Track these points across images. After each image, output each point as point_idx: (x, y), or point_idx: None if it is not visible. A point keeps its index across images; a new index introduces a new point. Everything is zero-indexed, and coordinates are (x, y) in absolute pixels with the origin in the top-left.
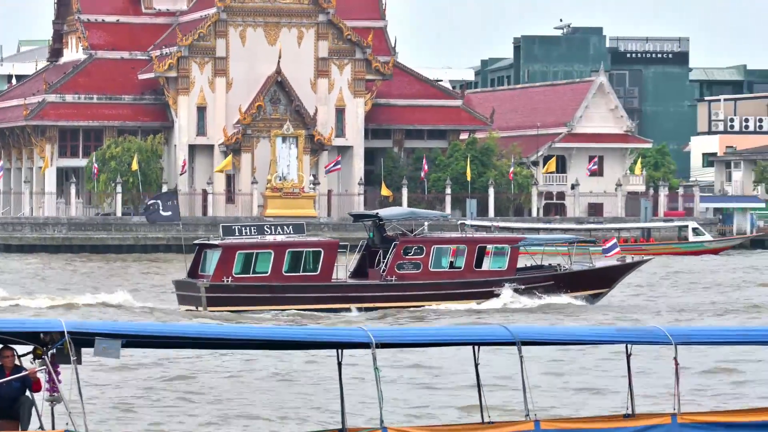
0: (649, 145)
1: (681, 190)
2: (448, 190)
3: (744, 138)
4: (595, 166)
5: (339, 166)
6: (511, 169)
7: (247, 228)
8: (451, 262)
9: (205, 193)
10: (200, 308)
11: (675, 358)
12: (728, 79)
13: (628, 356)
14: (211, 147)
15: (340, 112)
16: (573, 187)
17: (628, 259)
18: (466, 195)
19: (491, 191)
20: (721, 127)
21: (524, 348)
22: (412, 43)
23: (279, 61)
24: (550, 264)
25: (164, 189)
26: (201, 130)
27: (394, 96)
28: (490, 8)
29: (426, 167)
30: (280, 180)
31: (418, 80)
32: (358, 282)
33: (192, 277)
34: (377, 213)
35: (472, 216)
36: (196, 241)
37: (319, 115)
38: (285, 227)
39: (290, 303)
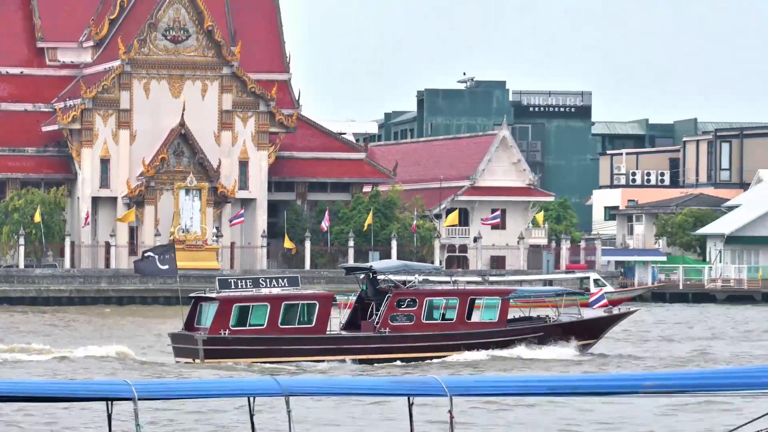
0: (551, 199)
1: (583, 243)
2: (351, 243)
3: (646, 192)
4: (496, 219)
5: (242, 219)
6: (414, 222)
7: (243, 281)
8: (443, 314)
9: (108, 245)
10: (197, 360)
11: (450, 411)
12: (630, 133)
13: (410, 406)
14: (114, 199)
15: (243, 165)
16: (475, 239)
17: (615, 311)
18: (369, 248)
19: (394, 244)
20: (623, 181)
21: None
22: (315, 96)
23: (183, 114)
24: (538, 315)
25: (67, 241)
26: (104, 182)
27: (297, 149)
28: (394, 61)
29: (329, 220)
30: (183, 232)
31: (322, 133)
32: (353, 334)
33: (188, 329)
34: (371, 266)
35: None
36: (191, 294)
37: (222, 168)
38: (279, 280)
39: (286, 355)
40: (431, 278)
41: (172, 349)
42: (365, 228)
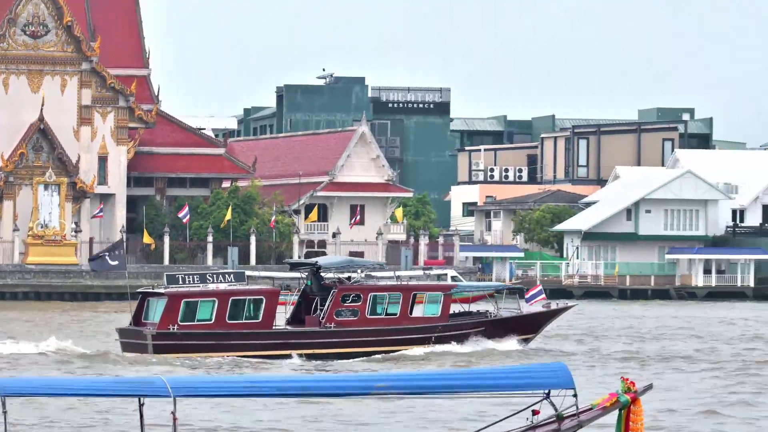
0: (410, 195)
1: (441, 239)
2: (210, 238)
3: (504, 188)
4: (356, 219)
5: (101, 214)
6: (273, 218)
7: (190, 276)
8: (387, 309)
9: None
10: (146, 355)
11: (173, 413)
12: (488, 130)
13: (141, 407)
14: None
15: (102, 160)
16: (334, 235)
17: (553, 306)
18: (228, 243)
19: (253, 239)
20: (481, 177)
21: None
22: (176, 91)
23: (42, 109)
24: (478, 311)
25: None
26: None
27: (157, 144)
28: (253, 57)
29: (188, 215)
30: (41, 227)
31: (181, 128)
32: (300, 329)
33: (136, 325)
34: (316, 261)
35: (234, 264)
36: (139, 290)
37: (81, 163)
38: (226, 275)
39: (233, 350)
40: (374, 273)
41: (120, 344)
42: (224, 224)
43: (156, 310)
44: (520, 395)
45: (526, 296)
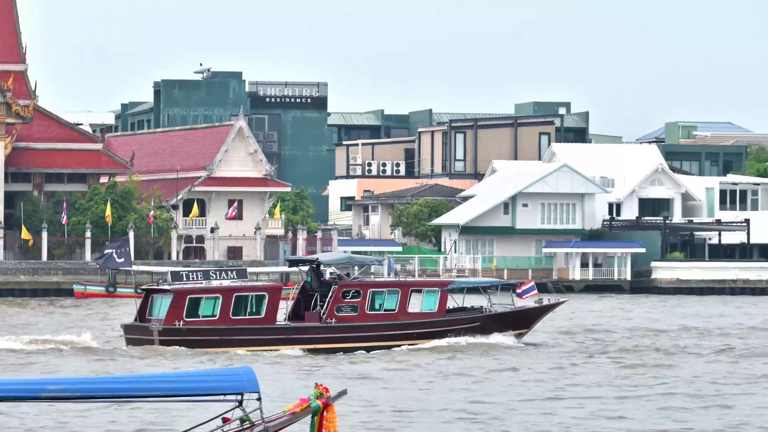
0: (287, 189)
1: (319, 234)
2: (88, 234)
3: (381, 182)
4: (233, 212)
5: None
6: (151, 213)
7: (194, 274)
8: (386, 305)
9: None
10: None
11: None
12: (366, 124)
13: None
14: None
15: None
16: (212, 230)
17: (545, 301)
18: (106, 238)
19: (131, 234)
20: (358, 171)
21: None
22: (52, 87)
23: None
24: (473, 306)
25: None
26: None
27: (34, 139)
28: (131, 52)
29: (64, 217)
30: None
31: (59, 124)
32: (302, 324)
33: (141, 321)
34: (317, 258)
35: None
36: (143, 287)
37: None
38: (229, 272)
39: (238, 345)
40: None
41: (125, 339)
42: (108, 218)
43: (161, 306)
44: (217, 401)
45: (518, 291)
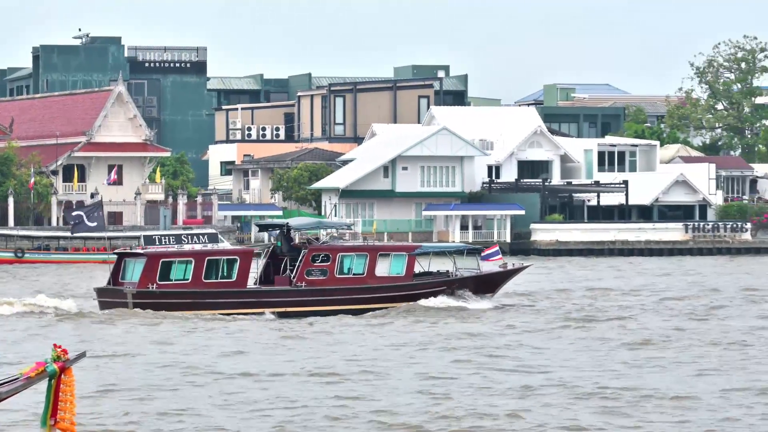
0: (167, 154)
1: (200, 198)
2: None
3: (261, 146)
4: (114, 176)
5: None
6: (32, 179)
7: (166, 238)
8: (354, 269)
9: None
10: (126, 309)
11: None
12: (245, 89)
13: None
14: None
15: None
16: (92, 196)
17: (510, 266)
18: None
19: (11, 201)
20: (238, 136)
21: None
22: None
23: None
24: (438, 270)
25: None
26: None
27: None
28: (8, 18)
29: None
30: None
31: None
32: (273, 288)
33: (114, 284)
34: (287, 222)
35: None
36: (116, 251)
37: None
38: (200, 236)
39: (210, 308)
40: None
41: (98, 303)
42: None
43: (134, 270)
44: None
45: (482, 255)
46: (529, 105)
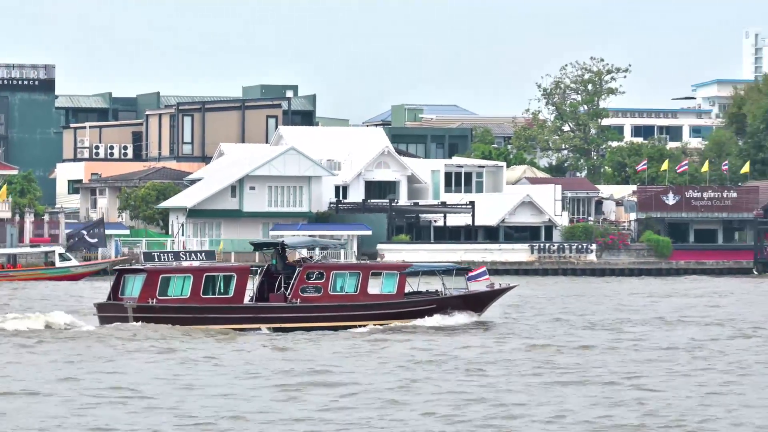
0: (15, 172)
1: (47, 217)
2: None
3: (109, 165)
4: None
5: None
6: None
7: (165, 255)
8: (347, 287)
9: None
10: (128, 324)
11: None
12: (94, 107)
13: None
14: None
15: None
16: None
17: (496, 286)
18: None
19: None
20: (86, 154)
21: None
22: None
23: None
24: (427, 290)
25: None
26: None
27: None
28: None
29: None
30: None
31: None
32: (269, 304)
33: (114, 299)
34: (283, 240)
35: None
36: (115, 267)
37: None
38: (198, 254)
39: (208, 323)
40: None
41: (98, 318)
42: None
43: (134, 285)
44: None
45: (468, 275)
46: (377, 125)
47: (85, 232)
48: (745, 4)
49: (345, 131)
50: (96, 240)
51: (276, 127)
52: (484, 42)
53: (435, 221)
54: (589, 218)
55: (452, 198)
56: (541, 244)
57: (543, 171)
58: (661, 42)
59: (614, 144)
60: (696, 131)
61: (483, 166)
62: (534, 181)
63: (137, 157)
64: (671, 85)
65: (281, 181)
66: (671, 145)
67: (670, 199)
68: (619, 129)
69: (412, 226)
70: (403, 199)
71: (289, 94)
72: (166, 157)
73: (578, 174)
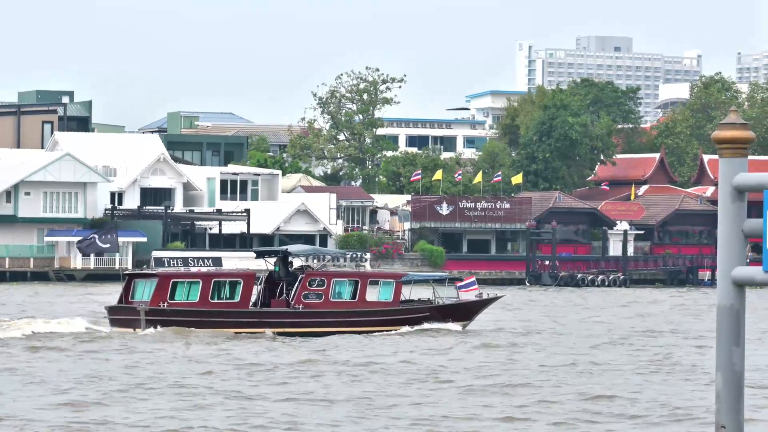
0: None
1: None
2: None
3: None
4: None
5: None
6: None
7: (175, 261)
8: (346, 293)
9: None
10: (138, 330)
11: None
12: None
13: None
14: None
15: None
16: None
17: (485, 295)
18: None
19: None
20: None
21: None
22: None
23: None
24: (419, 298)
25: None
26: None
27: None
28: None
29: None
30: None
31: None
32: (273, 309)
33: (125, 303)
34: (287, 249)
35: None
36: (125, 272)
37: None
38: (205, 260)
39: (217, 326)
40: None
41: (109, 321)
42: None
43: (145, 289)
44: None
45: (458, 285)
46: (153, 132)
47: (97, 236)
48: (519, 17)
49: (121, 138)
50: (108, 245)
51: (52, 132)
52: (261, 50)
53: (210, 229)
54: (364, 227)
55: (228, 205)
56: None
57: (318, 180)
58: (436, 53)
59: (389, 153)
60: (470, 142)
61: (258, 174)
62: (309, 189)
63: None
64: (446, 95)
65: (57, 186)
66: (445, 155)
67: (444, 209)
68: (394, 139)
69: (187, 234)
70: (178, 206)
71: (65, 99)
72: None
73: (353, 183)
